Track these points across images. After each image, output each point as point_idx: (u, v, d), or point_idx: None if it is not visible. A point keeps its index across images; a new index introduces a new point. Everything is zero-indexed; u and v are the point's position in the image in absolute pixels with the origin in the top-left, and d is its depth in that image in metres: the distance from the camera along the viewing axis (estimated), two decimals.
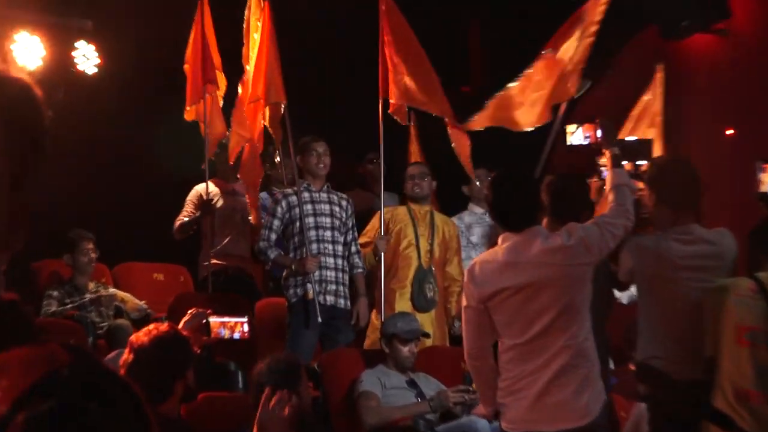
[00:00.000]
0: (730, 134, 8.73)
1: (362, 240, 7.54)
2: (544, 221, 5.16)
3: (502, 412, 4.57)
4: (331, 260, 7.17)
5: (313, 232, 7.18)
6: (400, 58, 7.33)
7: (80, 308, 7.58)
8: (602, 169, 5.35)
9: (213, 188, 8.03)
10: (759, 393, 4.54)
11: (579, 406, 4.41)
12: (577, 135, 5.27)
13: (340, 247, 7.26)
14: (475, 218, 8.20)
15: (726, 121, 8.74)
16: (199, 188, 8.00)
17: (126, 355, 4.06)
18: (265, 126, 7.43)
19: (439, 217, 7.80)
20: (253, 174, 7.81)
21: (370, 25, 7.47)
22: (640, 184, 5.22)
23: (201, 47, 7.92)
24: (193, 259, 8.36)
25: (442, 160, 8.12)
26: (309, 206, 7.24)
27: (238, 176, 7.97)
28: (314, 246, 7.15)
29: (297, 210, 7.20)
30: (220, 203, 8.07)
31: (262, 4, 7.52)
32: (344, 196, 7.49)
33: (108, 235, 8.24)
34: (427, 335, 6.90)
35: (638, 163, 5.37)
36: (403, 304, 7.42)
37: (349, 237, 7.38)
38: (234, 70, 7.91)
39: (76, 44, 9.07)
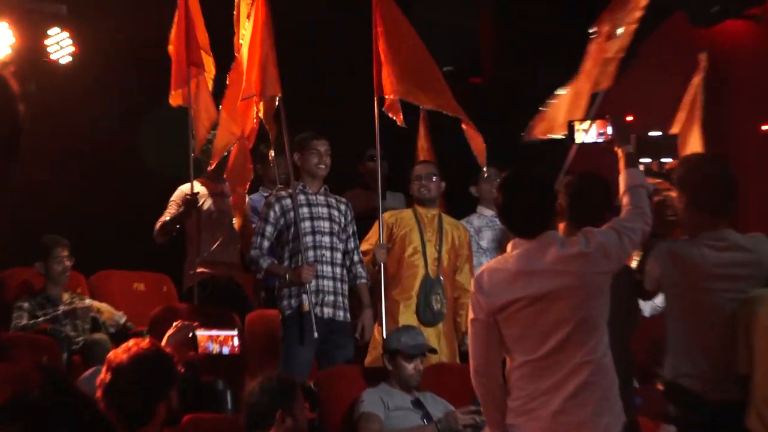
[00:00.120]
0: (766, 129, 8.74)
1: (364, 247, 7.55)
2: (561, 226, 5.15)
3: None
4: (328, 269, 7.18)
5: (309, 238, 7.18)
6: (393, 50, 7.40)
7: (54, 321, 7.58)
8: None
9: (200, 188, 8.03)
10: None
11: (599, 427, 4.40)
12: (589, 132, 5.23)
13: (339, 255, 7.26)
14: (484, 221, 8.21)
15: (762, 115, 8.76)
16: (185, 188, 8.00)
17: (103, 374, 4.06)
18: (260, 122, 7.44)
19: (447, 221, 7.80)
20: (241, 175, 7.81)
21: (370, 18, 7.57)
22: (666, 184, 5.22)
23: (185, 26, 7.94)
24: (177, 267, 8.34)
25: (451, 158, 8.13)
26: (305, 209, 7.24)
27: (225, 177, 7.97)
28: (311, 253, 7.15)
29: (292, 214, 7.20)
30: (207, 205, 8.06)
31: None
32: (343, 199, 7.50)
33: (84, 241, 8.23)
34: (433, 351, 6.90)
35: (663, 160, 5.36)
36: (408, 316, 7.42)
37: (351, 245, 7.38)
38: (223, 53, 7.91)
39: (49, 31, 9.14)
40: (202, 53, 8.05)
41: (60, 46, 9.15)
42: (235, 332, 5.25)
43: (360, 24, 7.70)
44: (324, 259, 7.17)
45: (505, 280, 4.43)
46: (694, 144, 7.69)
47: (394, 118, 7.52)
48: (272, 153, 8.01)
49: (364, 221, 7.82)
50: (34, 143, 9.11)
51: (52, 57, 9.11)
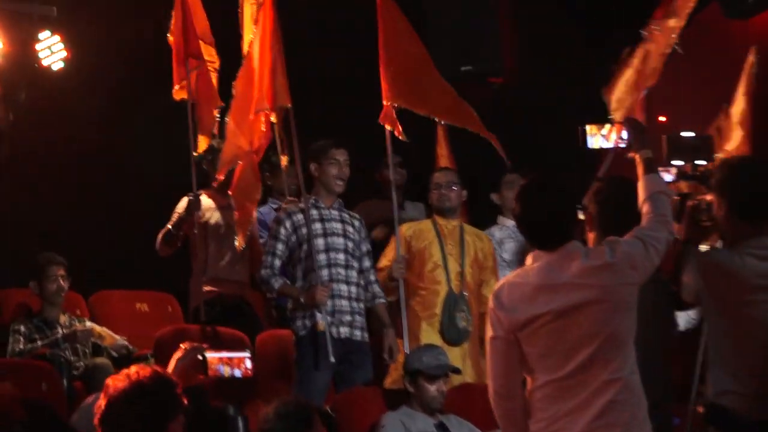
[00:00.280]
0: None
1: (382, 263, 7.61)
2: (591, 236, 5.19)
3: None
4: (344, 287, 7.26)
5: (323, 256, 7.25)
6: (388, 57, 7.57)
7: (53, 345, 7.62)
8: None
9: (206, 201, 8.07)
10: None
11: None
12: (599, 136, 5.23)
13: (354, 273, 7.34)
14: (506, 232, 8.22)
15: None
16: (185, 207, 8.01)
17: (100, 400, 4.09)
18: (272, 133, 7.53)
19: (469, 233, 7.87)
20: (249, 191, 7.83)
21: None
22: (700, 188, 5.25)
23: (182, 16, 8.05)
24: (182, 286, 8.36)
25: (472, 164, 8.17)
26: (318, 225, 7.31)
27: (229, 193, 7.95)
28: (325, 272, 7.22)
29: (304, 230, 7.27)
30: (214, 219, 8.11)
31: None
32: (356, 215, 7.59)
33: (82, 259, 8.32)
34: (457, 371, 6.96)
35: (697, 162, 5.39)
36: (431, 335, 7.50)
37: (366, 263, 7.46)
38: (224, 46, 7.95)
39: (40, 35, 9.11)
40: (201, 43, 8.14)
41: (51, 50, 9.10)
42: (247, 354, 5.27)
43: (375, 27, 7.78)
44: (339, 277, 7.25)
45: (527, 294, 4.44)
46: (736, 144, 7.72)
47: (392, 129, 7.58)
48: (285, 161, 7.99)
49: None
50: (26, 155, 9.14)
51: (44, 63, 9.08)
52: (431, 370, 6.60)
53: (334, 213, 7.40)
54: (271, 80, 7.46)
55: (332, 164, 7.35)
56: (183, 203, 8.07)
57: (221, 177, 7.83)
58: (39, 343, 7.66)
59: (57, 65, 9.14)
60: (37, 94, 8.98)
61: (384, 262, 7.68)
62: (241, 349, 5.50)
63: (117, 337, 7.94)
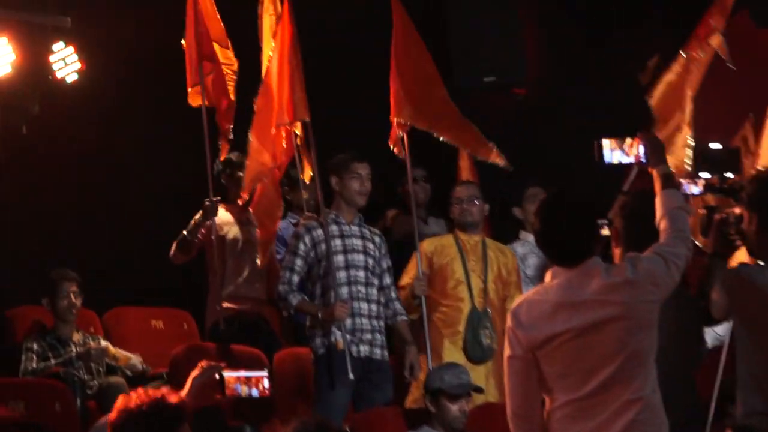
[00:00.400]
0: None
1: (404, 280, 7.63)
2: (617, 252, 5.19)
3: None
4: (365, 306, 7.28)
5: (343, 273, 7.27)
6: (400, 71, 7.72)
7: (66, 364, 7.66)
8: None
9: (224, 215, 8.09)
10: None
11: None
12: (615, 152, 5.18)
13: (374, 290, 7.37)
14: (529, 248, 8.21)
15: None
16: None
17: (109, 420, 4.11)
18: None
19: (492, 248, 7.90)
20: (270, 209, 7.90)
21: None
22: (728, 201, 5.24)
23: (194, 18, 8.09)
24: (198, 303, 8.38)
25: (495, 177, 8.17)
26: (338, 242, 7.34)
27: (251, 210, 8.01)
28: (345, 290, 7.24)
29: (323, 246, 7.29)
30: (232, 234, 8.11)
31: (281, 4, 7.69)
32: (377, 231, 7.63)
33: (96, 276, 8.38)
34: (479, 390, 6.98)
35: (725, 175, 5.39)
36: (454, 353, 7.53)
37: (387, 281, 7.49)
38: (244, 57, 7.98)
39: (53, 46, 9.11)
40: (218, 46, 8.18)
41: (65, 62, 9.09)
42: (265, 373, 5.29)
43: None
44: (359, 295, 7.28)
45: (546, 312, 4.44)
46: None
47: (394, 150, 7.68)
48: (310, 174, 8.00)
49: (404, 249, 7.89)
50: (40, 170, 9.18)
51: (58, 75, 9.07)
52: (453, 389, 6.61)
53: (355, 229, 7.43)
54: (291, 94, 7.50)
55: (354, 178, 7.37)
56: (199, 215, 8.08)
57: (246, 195, 7.88)
58: (52, 361, 7.70)
59: (71, 77, 9.12)
60: (52, 106, 8.98)
61: (406, 279, 7.70)
62: (259, 368, 5.52)
63: (132, 356, 7.96)
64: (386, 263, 7.51)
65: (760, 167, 7.62)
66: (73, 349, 7.79)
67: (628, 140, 4.94)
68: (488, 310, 7.64)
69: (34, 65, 9.04)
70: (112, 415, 4.12)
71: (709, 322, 5.49)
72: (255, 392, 5.23)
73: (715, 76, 7.98)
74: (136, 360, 7.95)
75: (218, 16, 8.16)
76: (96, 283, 8.28)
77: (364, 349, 7.20)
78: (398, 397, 7.49)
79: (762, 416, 4.91)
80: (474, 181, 8.56)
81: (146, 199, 9.35)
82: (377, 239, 7.51)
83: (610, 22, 9.75)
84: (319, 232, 7.33)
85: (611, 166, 4.96)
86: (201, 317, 8.40)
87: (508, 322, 4.52)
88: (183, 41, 8.19)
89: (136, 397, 4.14)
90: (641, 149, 4.92)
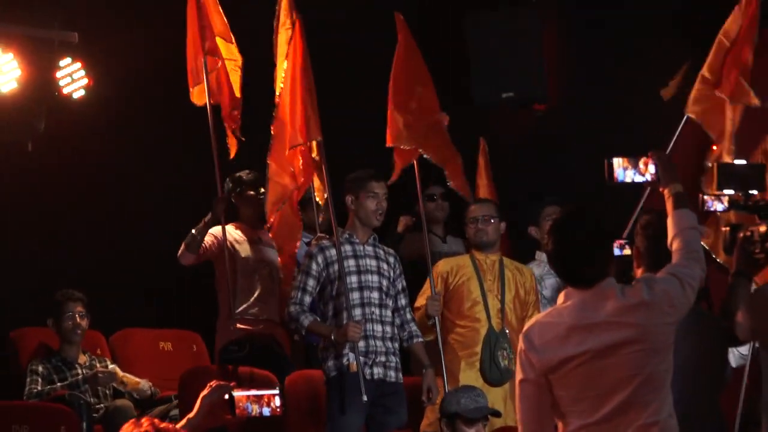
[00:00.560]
0: None
1: (419, 302, 7.65)
2: (639, 272, 5.20)
3: None
4: (378, 327, 7.30)
5: (356, 294, 7.30)
6: (397, 99, 7.89)
7: (72, 387, 7.68)
8: None
9: (236, 234, 8.12)
10: None
11: None
12: (627, 172, 5.19)
13: (388, 312, 7.40)
14: (546, 268, 8.18)
15: None
16: (214, 230, 8.03)
17: None
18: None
19: (510, 267, 7.92)
20: (290, 231, 7.99)
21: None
22: (753, 218, 5.26)
23: (197, 15, 8.14)
24: (208, 324, 8.37)
25: (515, 194, 8.19)
26: (351, 262, 7.36)
27: (271, 236, 8.08)
28: (358, 311, 7.26)
29: (336, 267, 7.31)
30: (244, 252, 8.10)
31: (293, 19, 7.75)
32: (391, 251, 7.64)
33: (103, 296, 8.41)
34: (497, 414, 6.97)
35: (750, 192, 5.41)
36: (470, 375, 7.56)
37: (402, 302, 7.51)
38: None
39: (60, 62, 9.16)
40: (222, 41, 8.22)
41: (72, 78, 9.13)
42: (276, 391, 5.27)
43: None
44: (373, 317, 7.30)
45: (560, 334, 4.43)
46: None
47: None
48: (325, 196, 8.04)
49: (418, 267, 7.92)
50: (45, 188, 9.22)
51: (64, 91, 9.11)
52: (469, 413, 6.62)
53: (369, 249, 7.45)
54: (303, 114, 7.56)
55: (370, 197, 7.39)
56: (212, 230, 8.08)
57: (271, 219, 7.92)
58: (58, 384, 7.72)
59: (78, 93, 9.16)
60: (57, 123, 9.01)
61: (421, 301, 7.73)
62: (271, 386, 5.51)
63: (140, 381, 7.96)
64: (401, 284, 7.53)
65: None
66: (80, 372, 7.82)
67: (643, 159, 4.95)
68: (506, 330, 7.67)
69: (41, 81, 9.07)
70: None
71: (734, 343, 5.50)
72: (266, 411, 5.19)
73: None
74: (145, 385, 7.95)
75: (221, 10, 8.21)
76: (103, 303, 8.32)
77: (377, 371, 7.22)
78: (413, 420, 7.50)
79: None
80: (491, 199, 8.59)
81: (155, 218, 9.37)
82: (392, 260, 7.52)
83: (631, 36, 9.78)
84: (333, 251, 7.35)
85: (624, 185, 4.96)
86: (210, 339, 8.38)
87: (520, 344, 4.51)
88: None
89: (132, 425, 4.17)
90: (652, 168, 4.93)
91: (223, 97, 8.24)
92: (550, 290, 8.13)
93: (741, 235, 5.22)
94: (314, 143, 7.73)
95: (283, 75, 7.87)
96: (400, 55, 8.01)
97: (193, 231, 7.89)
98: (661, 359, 4.41)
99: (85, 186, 9.41)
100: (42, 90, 9.10)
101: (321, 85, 7.81)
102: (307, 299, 7.33)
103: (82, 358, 7.97)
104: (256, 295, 8.07)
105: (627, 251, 5.55)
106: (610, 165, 4.93)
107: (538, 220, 8.31)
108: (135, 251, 9.44)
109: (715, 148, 8.05)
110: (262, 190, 8.00)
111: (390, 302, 7.41)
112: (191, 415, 4.88)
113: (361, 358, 7.12)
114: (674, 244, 4.63)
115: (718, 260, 7.48)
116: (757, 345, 5.57)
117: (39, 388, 7.68)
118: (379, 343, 7.26)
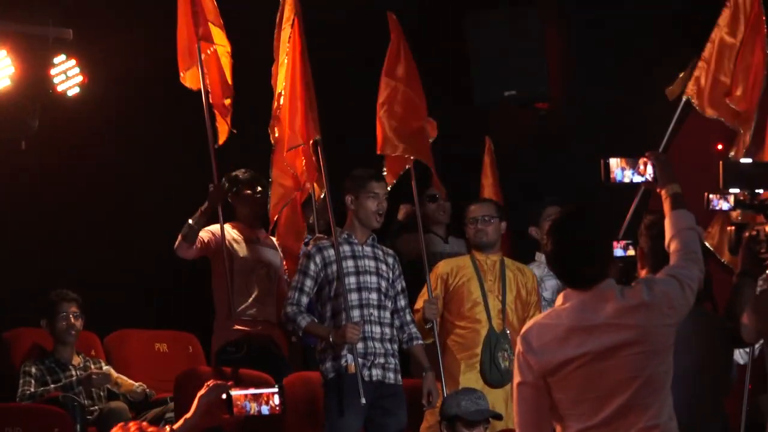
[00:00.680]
0: None
1: (418, 304, 7.66)
2: (643, 273, 5.21)
3: None
4: (377, 329, 7.30)
5: (355, 296, 7.29)
6: (387, 106, 8.02)
7: (66, 389, 7.68)
8: None
9: (233, 233, 8.12)
10: None
11: None
12: (626, 172, 5.20)
13: (387, 313, 7.40)
14: (545, 270, 8.21)
15: None
16: (213, 228, 8.04)
17: None
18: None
19: (511, 267, 7.94)
20: (293, 231, 8.00)
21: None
22: (759, 218, 5.27)
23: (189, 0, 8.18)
24: (204, 325, 8.35)
25: (520, 194, 8.20)
26: (350, 263, 7.36)
27: (276, 238, 8.11)
28: (356, 312, 7.26)
29: (335, 267, 7.31)
30: (242, 252, 8.10)
31: (293, 21, 7.79)
32: (390, 251, 7.63)
33: (98, 297, 8.41)
34: (498, 416, 6.99)
35: (756, 191, 5.41)
36: (470, 377, 7.56)
37: (401, 303, 7.51)
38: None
39: (54, 59, 9.14)
40: (211, 25, 8.24)
41: (67, 75, 9.10)
42: (275, 389, 5.25)
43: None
44: (372, 318, 7.29)
45: (559, 336, 4.42)
46: None
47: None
48: (321, 194, 8.05)
49: (417, 267, 7.92)
50: (39, 186, 9.23)
51: (59, 88, 9.08)
52: (470, 415, 6.62)
53: (368, 250, 7.44)
54: (304, 114, 7.57)
55: (371, 198, 7.38)
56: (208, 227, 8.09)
57: (273, 221, 7.97)
58: (51, 386, 7.72)
59: (72, 91, 9.13)
60: (51, 121, 9.00)
61: (420, 303, 7.73)
62: (269, 384, 5.50)
63: (135, 383, 7.97)
64: (400, 285, 7.53)
65: None
66: (74, 373, 7.83)
67: (641, 159, 4.96)
68: (507, 331, 7.68)
69: (34, 78, 9.04)
70: None
71: (739, 344, 5.50)
72: (265, 409, 5.17)
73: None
74: (139, 388, 7.95)
75: None
76: (98, 304, 8.31)
77: (376, 373, 7.21)
78: (413, 423, 7.50)
79: None
80: (493, 199, 8.59)
81: (149, 217, 9.38)
82: (391, 260, 7.51)
83: (631, 36, 9.81)
84: (331, 251, 7.34)
85: (622, 185, 4.97)
86: (207, 340, 8.38)
87: (518, 346, 4.50)
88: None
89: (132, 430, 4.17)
90: (650, 169, 4.93)
91: (213, 84, 8.24)
92: (551, 292, 8.15)
93: (746, 234, 5.23)
94: (312, 142, 7.75)
95: (284, 75, 7.89)
96: (391, 55, 8.05)
97: (190, 221, 7.86)
98: (660, 361, 4.42)
99: (81, 185, 9.42)
100: (36, 87, 9.07)
101: (321, 85, 7.83)
102: (305, 300, 7.32)
103: (76, 360, 7.97)
104: (254, 295, 8.05)
105: (631, 252, 5.56)
106: (607, 165, 4.93)
107: (539, 221, 8.34)
108: (131, 251, 9.46)
109: (720, 147, 8.08)
110: (259, 188, 8.03)
111: (389, 303, 7.41)
112: (188, 415, 4.88)
113: (360, 360, 7.12)
114: (672, 245, 4.64)
115: (722, 260, 7.49)
116: (757, 346, 5.59)
117: (32, 389, 7.69)
118: (377, 344, 7.26)
